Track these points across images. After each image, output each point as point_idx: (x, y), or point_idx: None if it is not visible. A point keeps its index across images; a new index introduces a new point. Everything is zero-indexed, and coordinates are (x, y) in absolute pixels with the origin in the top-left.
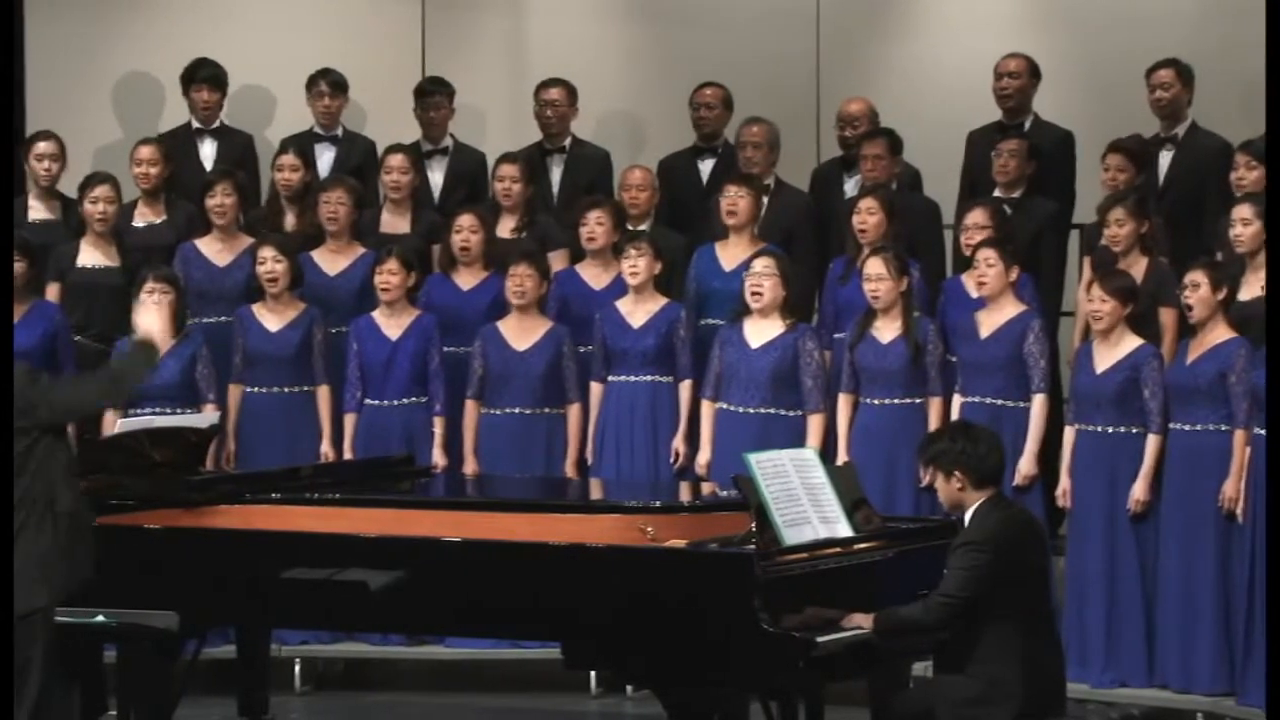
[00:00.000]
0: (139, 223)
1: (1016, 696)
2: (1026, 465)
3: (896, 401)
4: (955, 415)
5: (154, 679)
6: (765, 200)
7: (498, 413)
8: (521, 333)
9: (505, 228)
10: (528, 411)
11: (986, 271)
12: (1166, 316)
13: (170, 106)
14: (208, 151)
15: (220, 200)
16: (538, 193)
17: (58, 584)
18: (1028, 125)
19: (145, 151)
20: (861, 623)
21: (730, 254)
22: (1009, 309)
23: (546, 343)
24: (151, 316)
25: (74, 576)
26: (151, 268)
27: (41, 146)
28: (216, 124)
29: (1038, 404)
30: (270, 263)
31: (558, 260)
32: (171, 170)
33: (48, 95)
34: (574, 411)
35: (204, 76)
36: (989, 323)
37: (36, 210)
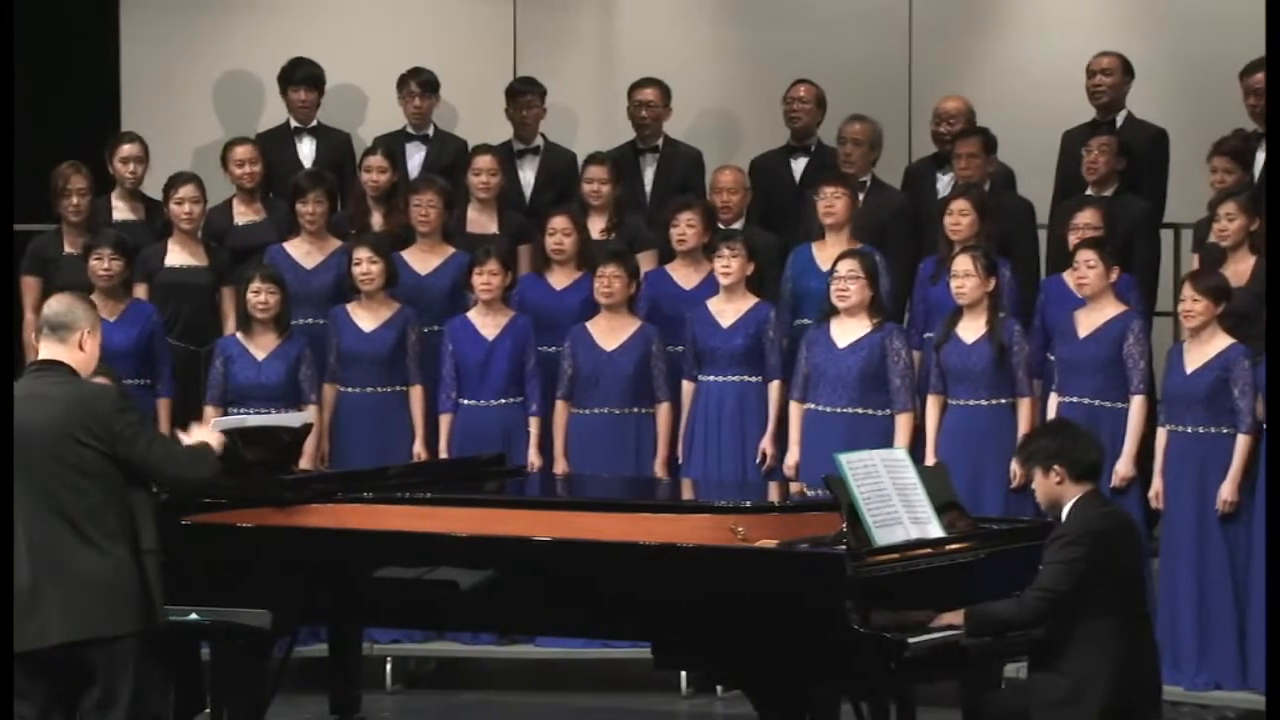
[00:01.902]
0: (240, 221)
1: (1105, 696)
2: (1124, 467)
3: (983, 403)
4: (1052, 415)
5: (246, 677)
6: (861, 198)
7: (587, 413)
8: (610, 333)
9: (594, 228)
10: (617, 411)
11: (1087, 272)
12: None
13: (269, 106)
14: (306, 150)
15: (312, 207)
16: (626, 193)
17: (145, 616)
18: (1120, 123)
19: (242, 151)
20: (952, 621)
21: (827, 254)
22: (1109, 309)
23: (635, 342)
24: (202, 433)
25: (160, 613)
26: (259, 267)
27: (126, 149)
28: (314, 123)
29: (1136, 405)
30: (365, 263)
31: (646, 261)
32: (268, 169)
33: (144, 96)
34: (663, 411)
35: (301, 76)
36: (1088, 322)
37: (120, 211)
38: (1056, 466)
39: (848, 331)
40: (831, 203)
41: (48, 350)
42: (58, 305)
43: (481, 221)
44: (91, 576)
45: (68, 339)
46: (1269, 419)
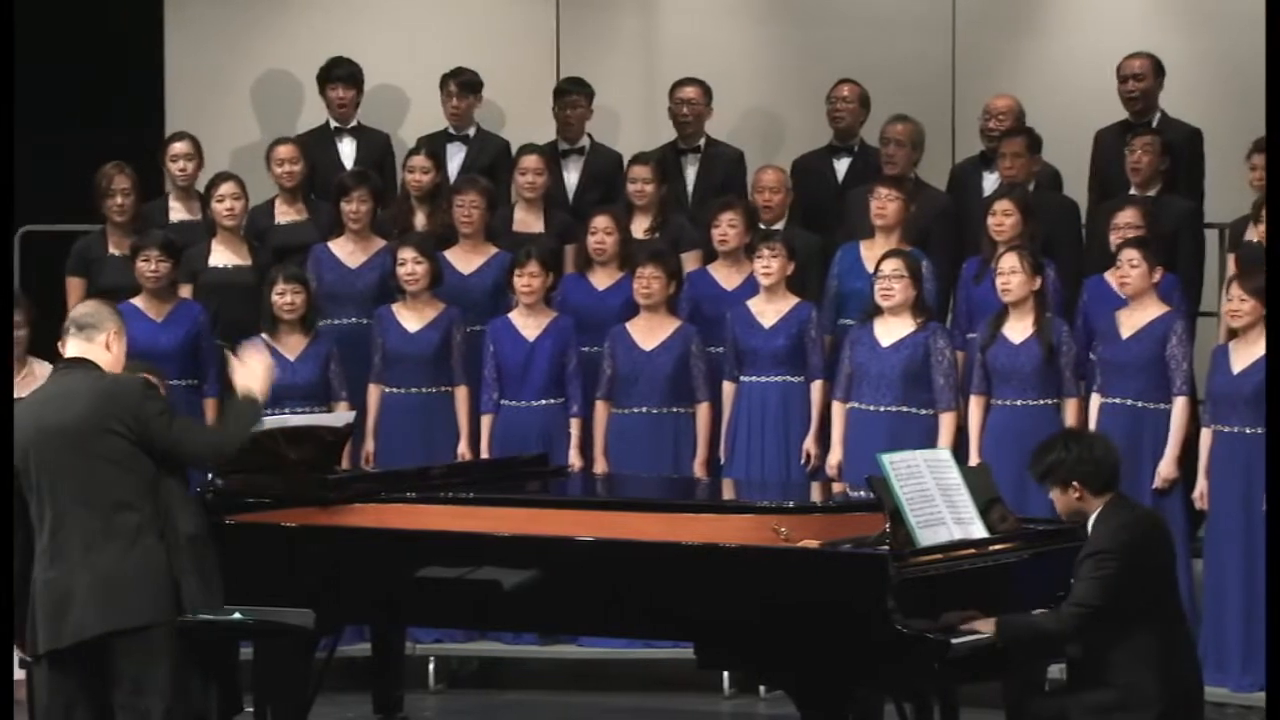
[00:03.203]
0: (281, 220)
1: (1154, 703)
2: (1167, 468)
3: (1029, 403)
4: (1093, 415)
5: (290, 676)
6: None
7: (626, 412)
8: (649, 332)
9: (639, 228)
10: (656, 411)
11: (1130, 272)
12: None
13: (309, 106)
14: (347, 150)
15: (356, 206)
16: (671, 193)
17: (186, 602)
18: (1155, 123)
19: (284, 150)
20: (981, 628)
21: (874, 254)
22: (1152, 309)
23: (674, 342)
24: (248, 371)
25: (210, 596)
26: (282, 267)
27: (177, 147)
28: (354, 123)
29: (1179, 406)
30: (410, 264)
31: (690, 261)
32: (310, 169)
33: (186, 96)
34: (703, 411)
35: (339, 75)
36: (1130, 323)
37: (177, 211)
38: (1075, 482)
39: (891, 331)
40: (885, 204)
41: (74, 349)
42: (86, 307)
43: (528, 221)
44: (121, 567)
45: (95, 338)
46: (1269, 419)
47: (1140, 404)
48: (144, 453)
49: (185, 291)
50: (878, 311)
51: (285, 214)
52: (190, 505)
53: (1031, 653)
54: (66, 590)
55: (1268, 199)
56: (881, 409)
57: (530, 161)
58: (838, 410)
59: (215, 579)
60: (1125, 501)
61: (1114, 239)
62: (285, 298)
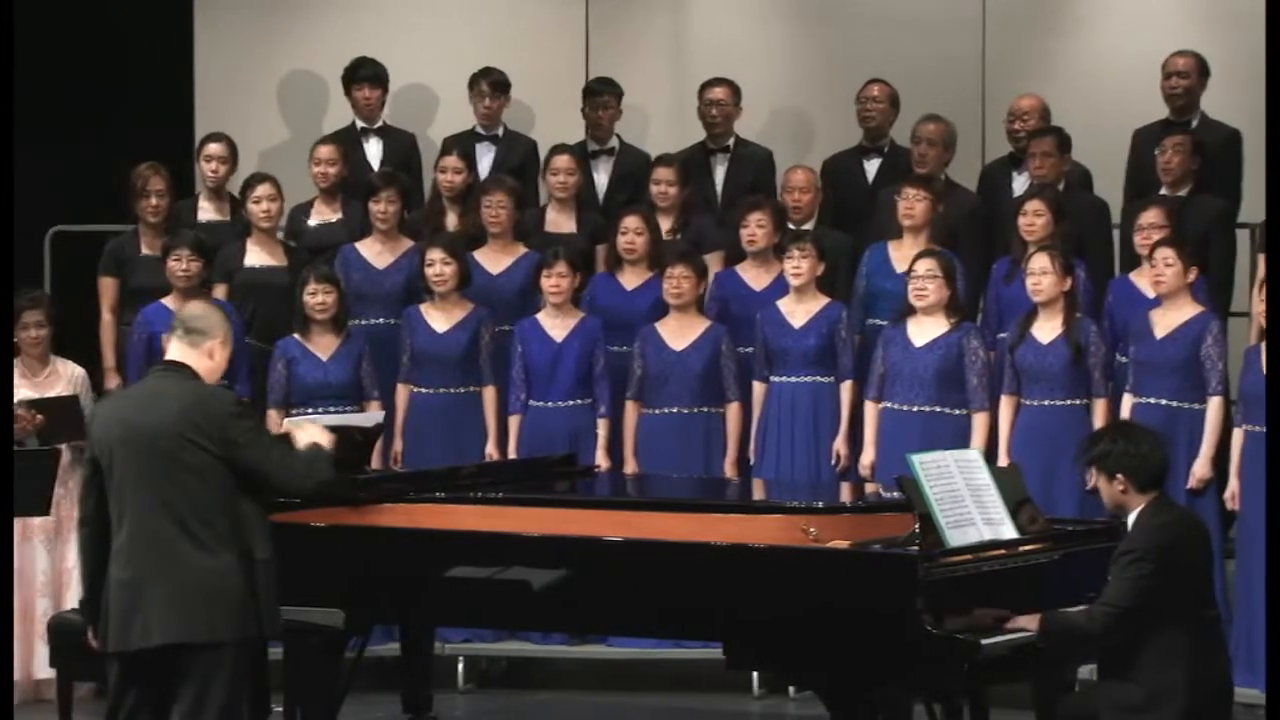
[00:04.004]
0: (314, 221)
1: (1181, 702)
2: (1201, 469)
3: (1058, 403)
4: (1126, 416)
5: (319, 676)
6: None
7: (657, 412)
8: (679, 333)
9: (661, 229)
10: (686, 411)
11: (1165, 271)
12: None
13: (335, 107)
14: (373, 151)
15: (385, 206)
16: (695, 195)
17: (246, 625)
18: (1195, 123)
19: (325, 151)
20: (1027, 624)
21: (904, 255)
22: (1186, 309)
23: (704, 342)
24: (306, 432)
25: (274, 622)
26: (313, 267)
27: (212, 148)
28: (380, 123)
29: (1214, 407)
30: (439, 264)
31: (713, 263)
32: (348, 170)
33: (215, 98)
34: (733, 411)
35: (365, 75)
36: (1164, 323)
37: (205, 211)
38: (1120, 475)
39: (925, 331)
40: (913, 204)
41: (176, 352)
42: (197, 309)
43: (560, 221)
44: (196, 578)
45: (199, 344)
46: (1269, 418)
47: (1175, 404)
48: (225, 468)
49: (220, 292)
50: (911, 311)
51: (319, 214)
52: (265, 529)
53: (1068, 649)
54: (138, 594)
55: (1267, 199)
56: (914, 409)
57: (562, 162)
58: (870, 410)
59: (274, 605)
60: (1168, 502)
61: (1138, 239)
62: (317, 297)
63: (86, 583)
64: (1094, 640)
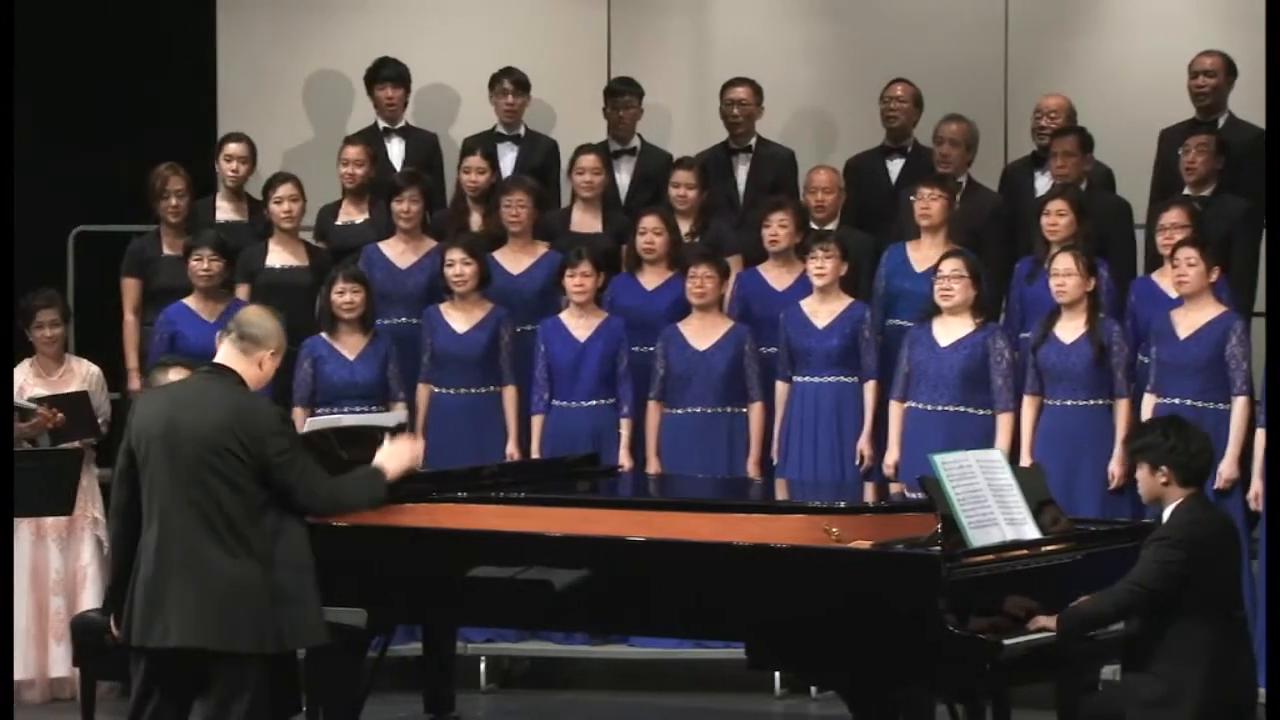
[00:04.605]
0: (341, 221)
1: (1197, 699)
2: (1228, 469)
3: (1081, 403)
4: (1147, 416)
5: (342, 676)
6: (957, 200)
7: (679, 412)
8: (702, 332)
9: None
10: (709, 411)
11: (1187, 271)
12: None
13: (358, 107)
14: (396, 151)
15: (407, 206)
16: (714, 197)
17: (270, 641)
18: (1221, 123)
19: (353, 151)
20: (1046, 624)
21: (922, 255)
22: (1209, 309)
23: (727, 342)
24: (394, 452)
25: (310, 632)
26: (342, 267)
27: (232, 148)
28: (402, 123)
29: (1239, 407)
30: (459, 265)
31: (732, 266)
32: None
33: (238, 98)
34: (756, 411)
35: (387, 75)
36: (1187, 323)
37: (224, 211)
38: (1164, 467)
39: (950, 331)
40: (928, 204)
41: (227, 356)
42: (254, 316)
43: (586, 221)
44: (217, 584)
45: (251, 353)
46: (1269, 417)
47: (1199, 404)
48: (259, 479)
49: (242, 292)
50: (936, 311)
51: (346, 214)
52: (302, 536)
53: (1086, 631)
54: (162, 593)
55: (1267, 197)
56: (939, 409)
57: (587, 161)
58: (895, 410)
59: (316, 609)
60: (1205, 501)
61: (1160, 239)
62: (345, 296)
63: (114, 573)
64: (1110, 618)
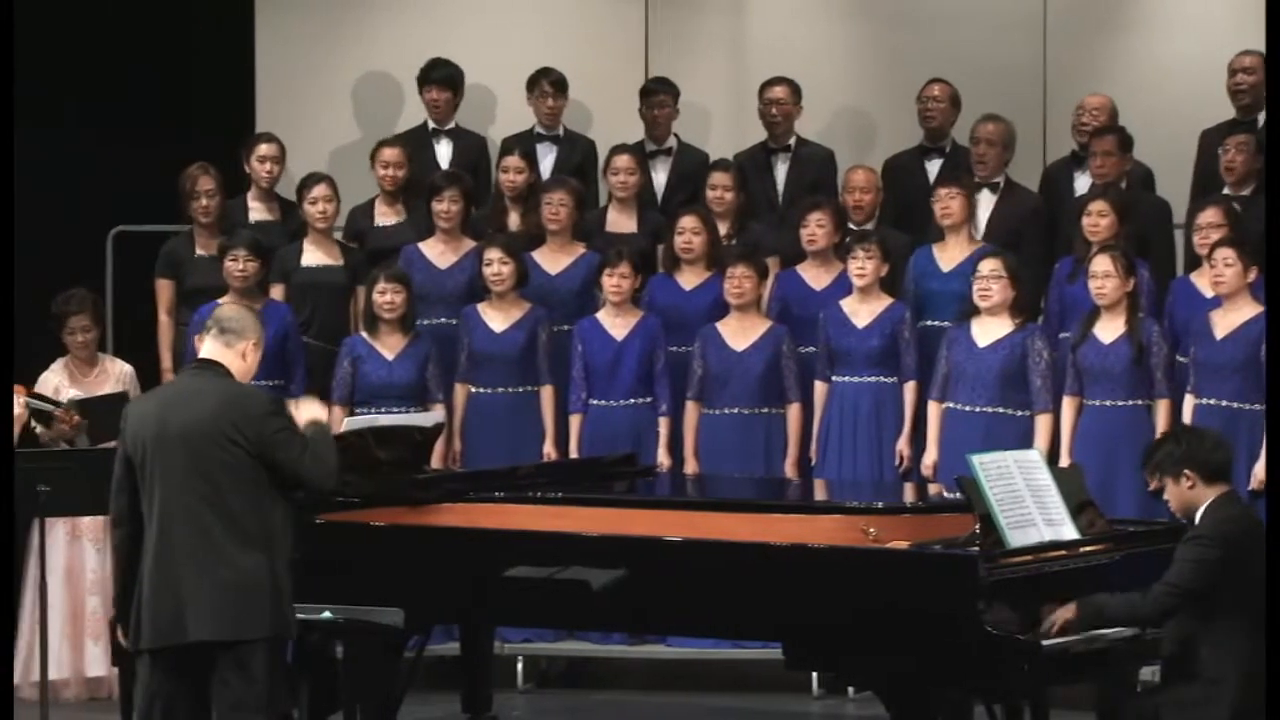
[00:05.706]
0: (380, 222)
1: (1231, 697)
2: (1263, 469)
3: (1120, 403)
4: (1187, 417)
5: (379, 675)
6: (994, 199)
7: (717, 412)
8: (740, 333)
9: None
10: (747, 411)
11: (1224, 271)
12: None
13: (409, 107)
14: (444, 152)
15: (447, 206)
16: (753, 198)
17: (275, 623)
18: (1261, 122)
19: (390, 153)
20: (1064, 614)
21: (948, 255)
22: (1246, 309)
23: (765, 342)
24: (304, 409)
25: (292, 623)
26: (384, 267)
27: (263, 149)
28: (451, 125)
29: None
30: (496, 264)
31: (770, 266)
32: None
33: (279, 98)
34: (794, 411)
35: (436, 77)
36: (1225, 323)
37: (256, 211)
38: (1187, 471)
39: (989, 331)
40: (947, 203)
41: (210, 350)
42: (232, 311)
43: (621, 221)
44: (227, 576)
45: (234, 344)
46: (1269, 416)
47: (1236, 405)
48: (258, 466)
49: (277, 292)
50: (975, 312)
51: (384, 215)
52: (291, 530)
53: (1133, 646)
54: (173, 592)
55: (1267, 197)
56: (977, 409)
57: (623, 161)
58: (934, 410)
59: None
60: (1236, 497)
61: (1197, 239)
62: (386, 296)
63: (119, 582)
64: (1149, 621)
